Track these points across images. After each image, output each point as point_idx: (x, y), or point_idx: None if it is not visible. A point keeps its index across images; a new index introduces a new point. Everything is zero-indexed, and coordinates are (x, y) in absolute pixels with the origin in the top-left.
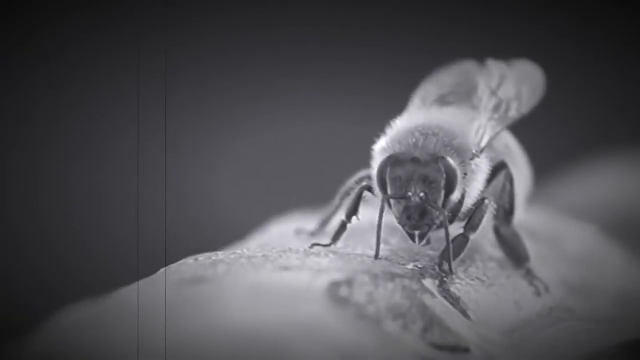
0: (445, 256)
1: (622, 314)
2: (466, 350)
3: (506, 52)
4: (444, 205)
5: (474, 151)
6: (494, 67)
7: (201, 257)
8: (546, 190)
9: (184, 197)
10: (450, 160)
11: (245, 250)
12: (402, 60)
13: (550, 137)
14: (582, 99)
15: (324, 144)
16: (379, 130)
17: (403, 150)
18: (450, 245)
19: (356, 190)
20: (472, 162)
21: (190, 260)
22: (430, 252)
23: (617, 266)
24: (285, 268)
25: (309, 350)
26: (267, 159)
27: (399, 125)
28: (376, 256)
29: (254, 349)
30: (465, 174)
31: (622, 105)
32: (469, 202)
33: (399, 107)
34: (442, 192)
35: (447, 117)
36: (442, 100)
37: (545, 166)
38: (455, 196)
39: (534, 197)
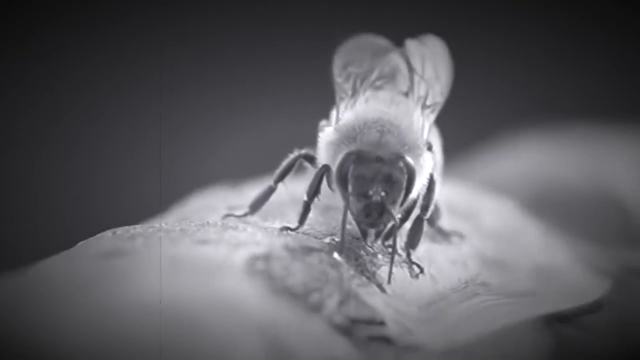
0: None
1: (536, 288)
2: (381, 323)
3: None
4: (402, 203)
5: (421, 147)
6: (411, 45)
7: (120, 230)
8: (463, 165)
9: (103, 169)
10: (410, 160)
11: (163, 224)
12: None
13: (467, 113)
14: (499, 74)
15: (243, 118)
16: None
17: (363, 148)
18: (395, 250)
19: (291, 159)
20: (421, 158)
21: (108, 233)
22: (348, 227)
23: (533, 240)
24: (203, 242)
25: (226, 324)
26: (187, 133)
27: (347, 117)
28: (340, 253)
29: (171, 322)
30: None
31: (539, 81)
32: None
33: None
34: (403, 192)
35: (391, 110)
36: (372, 85)
37: (463, 141)
38: (413, 195)
39: (451, 172)
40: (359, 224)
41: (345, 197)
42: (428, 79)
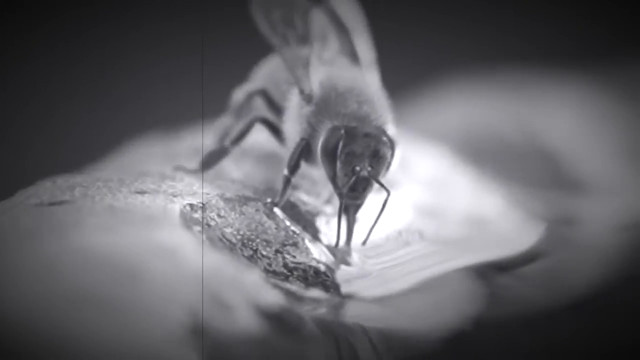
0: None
1: (469, 236)
2: (318, 271)
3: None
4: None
5: (389, 113)
6: (335, 4)
7: (59, 179)
8: (395, 114)
9: (40, 117)
10: (391, 133)
11: (102, 173)
12: None
13: (397, 61)
14: (431, 21)
15: (177, 66)
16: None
17: (350, 123)
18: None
19: (248, 122)
20: (391, 126)
21: (48, 183)
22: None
23: (466, 188)
24: (141, 191)
25: (162, 273)
26: (122, 81)
27: (313, 86)
28: (337, 245)
29: (109, 271)
30: None
31: (472, 29)
32: None
33: None
34: (387, 166)
35: (351, 75)
36: (313, 46)
37: (394, 91)
38: (393, 167)
39: None
40: (343, 197)
41: (332, 172)
42: (360, 35)
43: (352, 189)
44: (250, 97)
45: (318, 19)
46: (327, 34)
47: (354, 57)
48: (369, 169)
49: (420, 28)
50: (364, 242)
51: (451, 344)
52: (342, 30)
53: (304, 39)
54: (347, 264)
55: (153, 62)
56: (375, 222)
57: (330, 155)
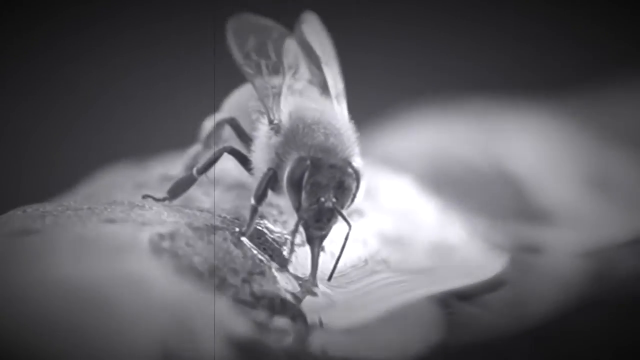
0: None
1: (434, 265)
2: (284, 300)
3: None
4: (348, 207)
5: (356, 146)
6: (304, 29)
7: (29, 208)
8: (360, 143)
9: (9, 146)
10: (359, 165)
11: (72, 202)
12: None
13: (362, 90)
14: (396, 51)
15: (152, 97)
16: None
17: (316, 154)
18: (342, 253)
19: (216, 152)
20: (358, 158)
21: (18, 211)
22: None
23: (430, 217)
24: (111, 221)
25: (131, 302)
26: (97, 111)
27: (282, 117)
28: (290, 254)
29: (79, 301)
30: None
31: (434, 57)
32: None
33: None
34: (352, 197)
35: (319, 106)
36: (285, 76)
37: (359, 119)
38: (359, 199)
39: None
40: (307, 228)
41: (296, 202)
42: (330, 66)
43: (317, 219)
44: (219, 125)
45: (291, 49)
46: (299, 65)
47: (324, 88)
48: (334, 200)
49: (385, 58)
50: (330, 278)
51: None
52: (314, 61)
53: (276, 68)
54: (313, 293)
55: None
56: (339, 256)
57: (295, 186)
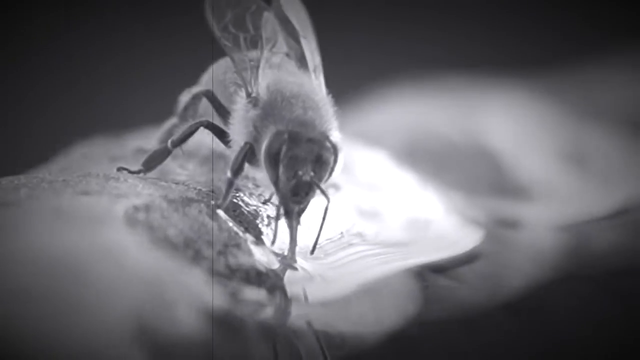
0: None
1: (410, 238)
2: (259, 272)
3: None
4: (326, 181)
5: (334, 119)
6: (282, 2)
7: (4, 181)
8: (337, 118)
9: None
10: (337, 139)
11: (47, 174)
12: None
13: (340, 66)
14: (374, 26)
15: (127, 70)
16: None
17: (293, 128)
18: (322, 227)
19: (192, 125)
20: (336, 131)
21: None
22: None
23: (407, 191)
24: (85, 193)
25: (107, 274)
26: (73, 83)
27: (260, 90)
28: (273, 242)
29: (54, 272)
30: None
31: (412, 33)
32: None
33: None
34: (329, 171)
35: (298, 80)
36: (263, 49)
37: (336, 94)
38: (337, 173)
39: None
40: (285, 201)
41: (274, 176)
42: (308, 39)
43: (295, 193)
44: (196, 98)
45: (269, 23)
46: (277, 38)
47: (302, 61)
48: (312, 174)
49: (364, 34)
50: (312, 252)
51: (392, 344)
52: (292, 34)
53: (254, 42)
54: (291, 266)
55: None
56: (320, 229)
57: (273, 159)
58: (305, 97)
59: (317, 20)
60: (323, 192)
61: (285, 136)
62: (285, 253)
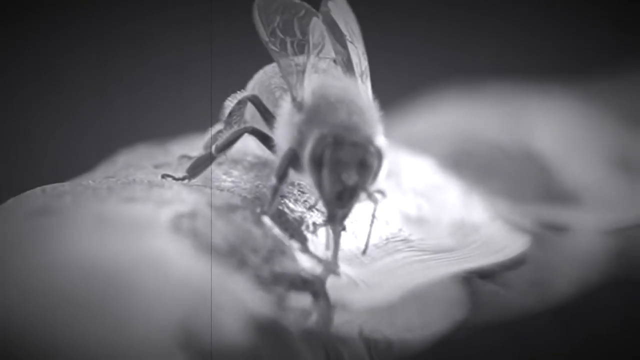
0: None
1: (456, 244)
2: (304, 279)
3: None
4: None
5: (379, 124)
6: (330, 7)
7: (48, 188)
8: (384, 123)
9: (30, 125)
10: (381, 144)
11: (91, 181)
12: None
13: (387, 71)
14: (420, 32)
15: (171, 78)
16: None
17: (337, 131)
18: (371, 229)
19: (236, 131)
20: (381, 137)
21: (38, 191)
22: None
23: (453, 197)
24: (130, 200)
25: (151, 281)
26: (116, 92)
27: (305, 94)
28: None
29: (99, 279)
30: None
31: (459, 39)
32: None
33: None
34: (374, 175)
35: (343, 84)
36: (310, 54)
37: (383, 99)
38: (381, 177)
39: None
40: (329, 206)
41: (318, 180)
42: (356, 44)
43: (339, 197)
44: (241, 103)
45: (317, 28)
46: (324, 43)
47: (348, 66)
48: (356, 178)
49: (411, 40)
50: (364, 252)
51: (438, 350)
52: (339, 39)
53: (301, 47)
54: (335, 272)
55: (145, 78)
56: (370, 231)
57: (316, 164)
58: (350, 101)
59: (365, 25)
60: (369, 195)
61: (329, 140)
62: (329, 259)
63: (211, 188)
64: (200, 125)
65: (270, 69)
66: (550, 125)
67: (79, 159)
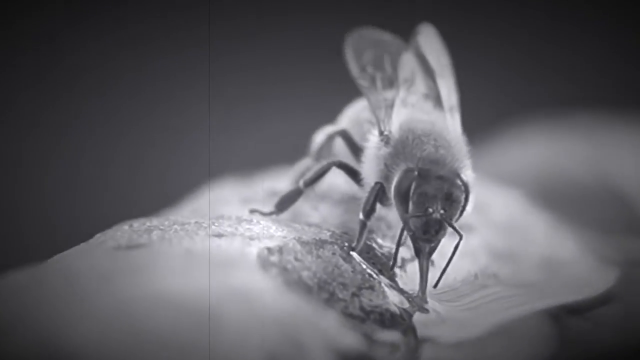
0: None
1: (544, 280)
2: (393, 314)
3: None
4: (457, 219)
5: (467, 159)
6: (421, 42)
7: (136, 223)
8: (471, 157)
9: (117, 162)
10: (467, 177)
11: (179, 217)
12: None
13: (474, 104)
14: (507, 65)
15: (256, 111)
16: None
17: (424, 165)
18: (450, 262)
19: (324, 165)
20: (469, 171)
21: (125, 226)
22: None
23: (540, 232)
24: (218, 235)
25: (240, 316)
26: (201, 126)
27: (392, 128)
28: (392, 267)
29: (187, 315)
30: None
31: (546, 71)
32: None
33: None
34: (460, 209)
35: (432, 118)
36: (399, 89)
37: (470, 133)
38: (468, 211)
39: None
40: (415, 240)
41: (404, 214)
42: (446, 79)
43: (424, 231)
44: (330, 137)
45: (408, 63)
46: (414, 78)
47: (437, 100)
48: (442, 211)
49: (500, 72)
50: (436, 285)
51: None
52: (429, 74)
53: (391, 82)
54: (423, 308)
55: (230, 112)
56: (447, 264)
57: (403, 197)
58: (437, 135)
59: (454, 59)
60: (454, 228)
61: (415, 173)
62: (416, 293)
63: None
64: (286, 157)
65: (360, 104)
66: (635, 159)
67: (164, 194)
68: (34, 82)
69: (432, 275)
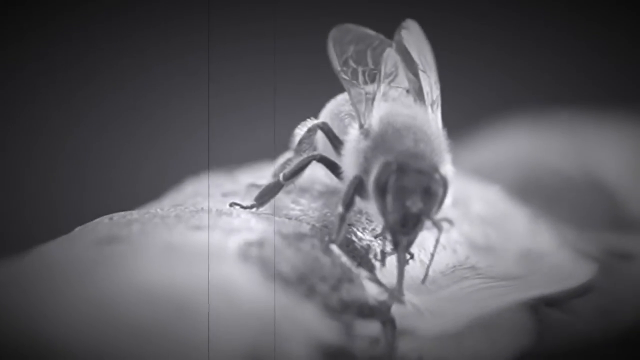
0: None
1: (523, 272)
2: (372, 307)
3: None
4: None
5: (446, 153)
6: (404, 37)
7: (116, 216)
8: (451, 152)
9: (98, 155)
10: (446, 172)
11: (159, 210)
12: None
13: (455, 99)
14: (490, 61)
15: (239, 107)
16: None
17: (402, 159)
18: (433, 257)
19: (304, 159)
20: (448, 165)
21: (105, 219)
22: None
23: (520, 225)
24: (198, 228)
25: (219, 309)
26: (184, 120)
27: (372, 122)
28: (383, 262)
29: (166, 307)
30: None
31: (527, 67)
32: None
33: None
34: (438, 203)
35: (412, 112)
36: (381, 83)
37: (450, 128)
38: (446, 205)
39: None
40: (393, 233)
41: (382, 207)
42: (428, 74)
43: (402, 224)
44: (311, 131)
45: (390, 57)
46: (397, 73)
47: (420, 95)
48: (420, 205)
49: (480, 68)
50: (423, 281)
51: None
52: (412, 68)
53: (373, 76)
54: (400, 300)
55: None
56: (431, 259)
57: (381, 190)
58: (417, 129)
59: (438, 54)
60: (434, 222)
61: (394, 167)
62: (394, 286)
63: (272, 214)
64: (267, 152)
65: (341, 98)
66: (616, 153)
67: (145, 187)
68: (37, 86)
69: (411, 268)
